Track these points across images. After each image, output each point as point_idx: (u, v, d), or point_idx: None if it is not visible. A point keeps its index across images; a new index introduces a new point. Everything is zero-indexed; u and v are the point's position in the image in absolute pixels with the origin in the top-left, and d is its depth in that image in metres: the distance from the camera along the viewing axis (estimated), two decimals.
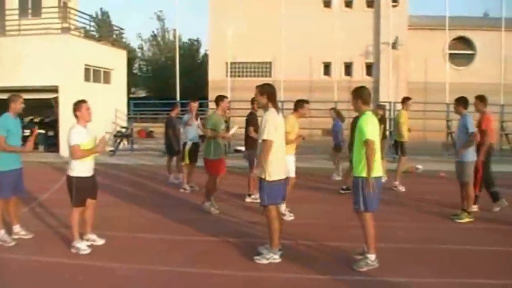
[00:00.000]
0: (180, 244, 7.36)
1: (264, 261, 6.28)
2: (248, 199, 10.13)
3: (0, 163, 7.20)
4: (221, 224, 8.47)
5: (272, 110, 6.38)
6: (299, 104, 8.93)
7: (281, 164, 6.41)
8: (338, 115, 13.49)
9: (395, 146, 12.18)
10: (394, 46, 27.15)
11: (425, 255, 6.69)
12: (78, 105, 6.88)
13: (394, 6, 26.64)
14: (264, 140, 6.23)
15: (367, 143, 5.93)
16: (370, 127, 6.01)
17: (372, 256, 6.07)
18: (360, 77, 29.32)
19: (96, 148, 6.91)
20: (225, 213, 9.14)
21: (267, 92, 6.44)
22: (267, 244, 6.50)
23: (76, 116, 6.87)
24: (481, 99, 9.15)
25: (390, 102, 20.24)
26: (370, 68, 30.03)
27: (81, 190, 6.78)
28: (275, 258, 6.32)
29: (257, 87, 6.57)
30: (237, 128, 10.11)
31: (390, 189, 11.28)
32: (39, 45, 19.26)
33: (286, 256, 6.42)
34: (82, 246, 6.79)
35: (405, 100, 11.91)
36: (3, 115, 7.32)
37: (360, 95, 6.21)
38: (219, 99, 9.52)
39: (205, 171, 9.52)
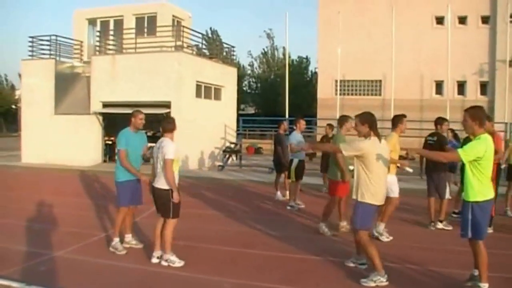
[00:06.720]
0: (280, 260, 7.32)
1: (372, 284, 6.12)
2: (439, 225, 9.65)
3: (118, 173, 7.60)
4: (326, 243, 8.37)
5: (374, 140, 6.26)
6: (399, 119, 8.67)
7: (379, 191, 6.29)
8: (454, 136, 12.91)
9: (509, 171, 11.32)
10: (511, 64, 25.64)
11: None
12: (174, 123, 7.16)
13: None
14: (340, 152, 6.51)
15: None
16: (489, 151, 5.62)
17: (485, 286, 5.73)
18: (474, 96, 27.98)
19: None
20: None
21: (368, 121, 6.32)
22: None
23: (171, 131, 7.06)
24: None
25: (506, 123, 19.15)
26: (484, 87, 28.56)
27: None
28: (382, 281, 6.13)
29: (357, 116, 6.47)
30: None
31: (501, 214, 10.50)
32: (153, 62, 20.22)
33: (391, 279, 6.21)
34: (176, 260, 6.91)
35: None
36: (124, 130, 7.69)
37: (477, 117, 5.76)
38: (343, 120, 9.20)
39: (328, 192, 9.51)
